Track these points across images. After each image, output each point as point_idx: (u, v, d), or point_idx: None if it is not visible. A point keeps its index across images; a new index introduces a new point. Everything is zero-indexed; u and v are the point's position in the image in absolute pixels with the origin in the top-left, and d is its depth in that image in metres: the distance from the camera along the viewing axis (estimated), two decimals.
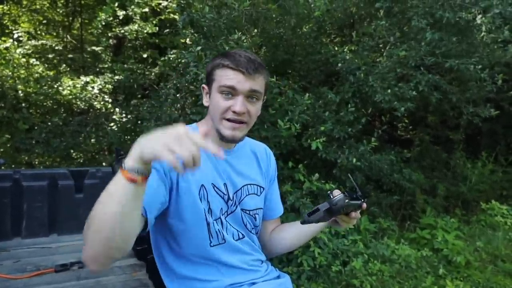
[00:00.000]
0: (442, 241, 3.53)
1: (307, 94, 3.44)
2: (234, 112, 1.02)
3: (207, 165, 1.08)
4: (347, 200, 1.05)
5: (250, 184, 1.19)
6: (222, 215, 1.12)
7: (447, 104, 4.31)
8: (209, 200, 1.08)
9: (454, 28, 3.68)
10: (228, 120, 1.03)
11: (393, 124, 5.82)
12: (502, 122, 5.33)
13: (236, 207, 1.15)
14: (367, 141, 3.57)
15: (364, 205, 1.12)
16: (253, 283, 1.15)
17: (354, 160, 3.35)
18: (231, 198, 1.13)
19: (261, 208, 1.23)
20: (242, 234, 1.16)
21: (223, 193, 1.11)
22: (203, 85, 1.12)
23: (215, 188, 1.09)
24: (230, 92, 1.01)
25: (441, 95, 3.89)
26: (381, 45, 4.06)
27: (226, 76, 1.01)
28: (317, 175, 3.22)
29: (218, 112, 1.04)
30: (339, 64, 3.71)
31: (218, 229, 1.08)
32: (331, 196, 1.06)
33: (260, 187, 1.23)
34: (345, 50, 4.01)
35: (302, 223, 1.09)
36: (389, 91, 3.45)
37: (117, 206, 0.76)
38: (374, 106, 3.89)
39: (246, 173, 1.19)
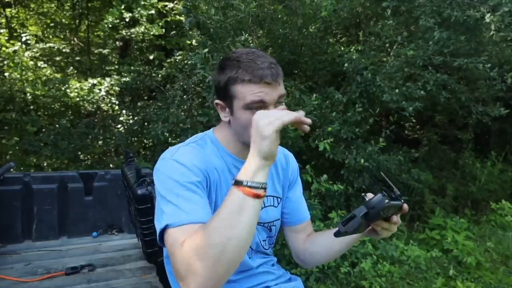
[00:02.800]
0: (452, 241, 3.49)
1: (314, 95, 3.43)
2: None
3: (230, 179, 1.04)
4: (387, 201, 0.86)
5: (266, 197, 1.11)
6: None
7: (455, 103, 4.27)
8: None
9: (463, 27, 3.64)
10: None
11: (401, 124, 5.78)
12: (511, 121, 5.26)
13: None
14: (374, 142, 3.54)
15: (406, 206, 0.95)
16: (267, 287, 1.14)
17: (362, 160, 3.33)
18: None
19: (278, 219, 1.18)
20: (252, 248, 1.13)
21: None
22: (217, 101, 1.01)
23: None
24: (259, 106, 0.94)
25: (449, 95, 3.85)
26: (388, 45, 4.04)
27: (251, 92, 0.93)
28: (325, 176, 3.21)
29: (250, 131, 0.94)
30: (346, 64, 3.69)
31: None
32: (366, 198, 0.88)
33: (277, 197, 1.18)
34: (352, 50, 4.00)
35: (337, 235, 0.90)
36: (396, 90, 3.42)
37: (249, 225, 0.78)
38: (382, 106, 3.87)
39: None
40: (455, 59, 3.53)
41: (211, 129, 1.12)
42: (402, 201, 0.93)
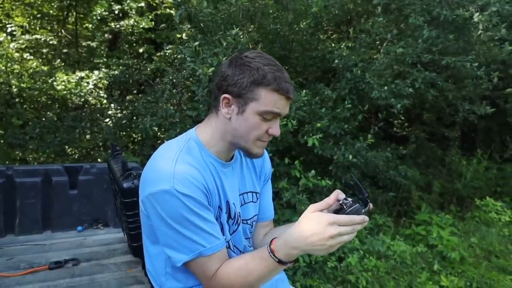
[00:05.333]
0: (437, 237, 3.55)
1: (303, 91, 3.42)
2: (271, 135, 1.00)
3: (219, 185, 1.04)
4: (364, 210, 0.99)
5: (246, 193, 1.15)
6: (231, 235, 1.09)
7: (443, 101, 4.33)
8: (221, 221, 1.05)
9: (451, 26, 3.68)
10: (261, 140, 1.01)
11: (389, 121, 5.84)
12: (497, 119, 5.35)
13: (238, 225, 1.11)
14: (363, 138, 3.56)
15: (371, 206, 1.04)
16: None
17: (350, 156, 3.35)
18: (232, 216, 1.09)
19: (256, 215, 1.20)
20: (240, 250, 1.14)
21: (225, 212, 1.07)
22: (226, 95, 0.98)
23: (221, 208, 1.06)
24: (273, 116, 0.97)
25: (437, 92, 3.90)
26: (378, 42, 4.05)
27: (274, 102, 0.94)
28: (313, 171, 3.22)
29: (254, 135, 0.98)
30: (336, 61, 3.70)
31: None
32: (345, 207, 1.00)
33: (256, 193, 1.19)
34: (342, 46, 4.00)
35: None
36: (385, 88, 3.44)
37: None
38: (371, 103, 3.89)
39: (241, 183, 1.13)
40: (443, 57, 3.57)
41: (193, 129, 1.09)
42: (368, 202, 1.03)
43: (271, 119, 0.97)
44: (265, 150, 1.24)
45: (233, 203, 1.08)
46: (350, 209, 0.98)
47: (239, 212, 1.11)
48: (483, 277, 3.01)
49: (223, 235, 1.04)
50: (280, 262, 0.89)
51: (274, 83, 0.93)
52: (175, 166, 0.95)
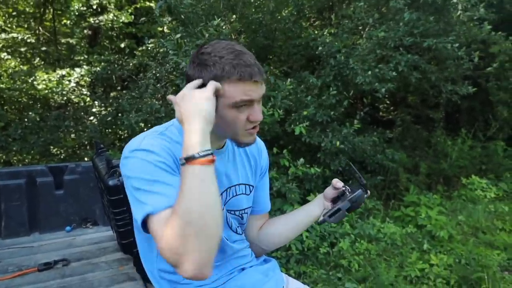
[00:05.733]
0: (425, 217, 3.62)
1: (288, 80, 3.42)
2: (254, 121, 0.96)
3: None
4: (366, 195, 1.04)
5: (238, 185, 1.13)
6: None
7: (426, 83, 4.37)
8: None
9: (431, 8, 3.70)
10: (248, 129, 0.98)
11: (375, 105, 5.88)
12: (479, 98, 5.45)
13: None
14: (350, 124, 3.59)
15: (369, 192, 1.10)
16: (242, 269, 1.15)
17: (338, 143, 3.37)
18: None
19: (250, 207, 1.18)
20: (226, 237, 1.13)
21: None
22: None
23: None
24: (246, 104, 0.94)
25: (420, 75, 3.93)
26: (360, 27, 4.06)
27: (241, 91, 0.91)
28: (302, 160, 3.23)
29: (238, 128, 0.96)
30: (319, 48, 3.69)
31: None
32: (347, 193, 1.03)
33: (249, 185, 1.17)
34: (325, 33, 3.99)
35: (320, 223, 1.08)
36: (369, 72, 3.46)
37: (214, 191, 0.81)
38: (356, 89, 3.91)
39: (233, 173, 1.12)
40: (424, 39, 3.60)
41: (176, 118, 1.06)
42: (368, 191, 1.08)
43: (248, 107, 0.95)
44: (262, 144, 1.24)
45: None
46: (354, 194, 1.02)
47: (222, 201, 1.09)
48: (471, 253, 3.09)
49: None
50: (188, 159, 0.80)
51: (234, 73, 0.90)
52: (148, 136, 0.96)
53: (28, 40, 6.05)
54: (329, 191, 1.13)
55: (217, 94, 0.92)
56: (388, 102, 6.13)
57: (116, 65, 5.20)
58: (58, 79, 5.04)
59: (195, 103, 0.86)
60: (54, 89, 5.00)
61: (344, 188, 1.07)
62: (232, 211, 1.13)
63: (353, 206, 1.04)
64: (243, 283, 1.10)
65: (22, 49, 6.09)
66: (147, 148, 0.91)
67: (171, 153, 0.94)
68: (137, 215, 0.87)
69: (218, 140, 1.05)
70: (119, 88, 5.81)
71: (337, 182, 1.10)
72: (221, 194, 1.09)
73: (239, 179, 1.14)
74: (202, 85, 0.92)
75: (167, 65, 4.06)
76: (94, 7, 5.21)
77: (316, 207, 1.16)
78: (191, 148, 0.81)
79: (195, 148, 0.81)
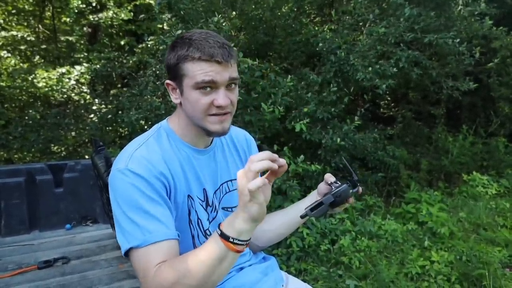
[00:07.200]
0: (426, 214, 3.61)
1: (289, 76, 3.40)
2: (218, 106, 0.95)
3: (191, 173, 1.02)
4: (351, 191, 1.01)
5: (230, 181, 1.13)
6: (210, 223, 1.07)
7: (427, 79, 4.35)
8: (197, 210, 1.03)
9: (432, 3, 3.68)
10: (213, 115, 0.96)
11: (376, 102, 5.86)
12: (481, 94, 5.42)
13: (217, 212, 1.09)
14: (350, 121, 3.57)
15: (360, 189, 1.07)
16: (241, 268, 1.14)
17: (338, 140, 3.36)
18: (210, 204, 1.07)
19: None
20: None
21: (202, 200, 1.05)
22: (167, 81, 0.99)
23: (197, 196, 1.04)
24: (209, 86, 0.93)
25: (421, 71, 3.91)
26: (360, 23, 4.03)
27: (202, 71, 0.91)
28: (302, 156, 3.22)
29: (200, 111, 0.95)
30: (320, 44, 3.67)
31: (203, 242, 1.04)
32: (333, 188, 1.01)
33: None
34: (325, 29, 3.98)
35: (303, 217, 1.05)
36: (370, 69, 3.44)
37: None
38: (356, 85, 3.89)
39: (225, 170, 1.12)
40: (425, 35, 3.57)
41: (166, 119, 1.08)
42: (358, 186, 1.06)
43: (212, 90, 0.93)
44: (251, 138, 1.24)
45: (203, 189, 1.06)
46: (338, 189, 1.00)
47: (216, 199, 1.09)
48: (472, 249, 3.08)
49: (201, 223, 1.03)
50: (222, 235, 0.80)
51: (197, 52, 0.91)
52: (137, 149, 0.95)
53: (28, 38, 6.05)
54: (322, 186, 1.12)
55: (182, 73, 0.93)
56: (389, 98, 6.11)
57: (116, 63, 5.19)
58: (58, 77, 5.04)
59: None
60: (54, 87, 5.00)
61: (330, 183, 1.05)
62: (227, 208, 1.12)
63: (337, 201, 1.01)
64: (242, 282, 1.10)
65: (22, 47, 6.09)
66: (134, 170, 0.90)
67: (161, 174, 0.93)
68: (121, 243, 0.89)
69: (203, 135, 1.04)
70: (119, 85, 5.80)
71: (330, 177, 1.09)
72: (215, 192, 1.09)
73: (231, 175, 1.13)
74: None
75: None
76: (94, 4, 5.19)
77: (309, 203, 1.16)
78: (232, 230, 0.81)
79: (235, 232, 0.81)
